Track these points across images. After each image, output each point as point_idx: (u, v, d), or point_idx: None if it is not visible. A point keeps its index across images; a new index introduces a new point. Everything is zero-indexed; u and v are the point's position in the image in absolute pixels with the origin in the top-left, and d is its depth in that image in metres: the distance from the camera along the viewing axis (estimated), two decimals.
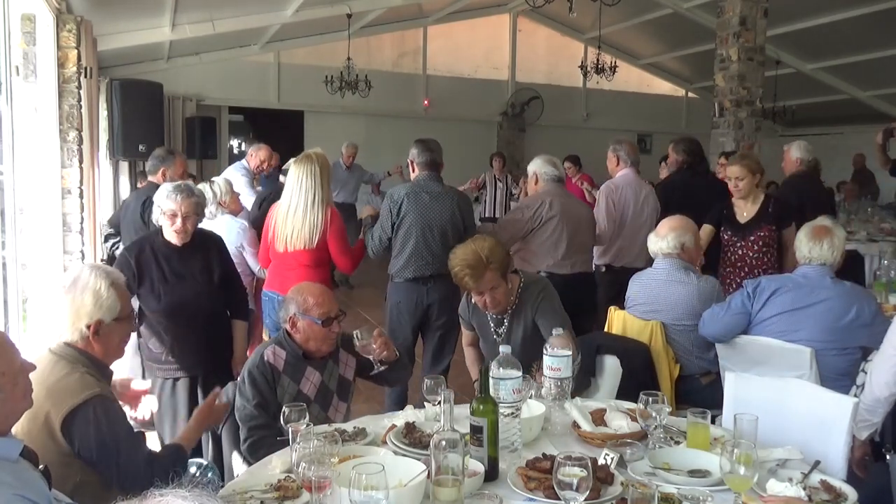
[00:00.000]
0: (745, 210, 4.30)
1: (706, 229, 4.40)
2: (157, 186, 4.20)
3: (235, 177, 5.68)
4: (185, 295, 3.19)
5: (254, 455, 2.38)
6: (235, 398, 2.62)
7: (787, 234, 4.19)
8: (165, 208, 3.19)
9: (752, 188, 4.28)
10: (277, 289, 3.74)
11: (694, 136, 5.45)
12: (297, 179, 3.74)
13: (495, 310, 3.09)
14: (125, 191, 8.86)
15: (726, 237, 4.36)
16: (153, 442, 2.86)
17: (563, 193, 4.43)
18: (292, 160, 3.92)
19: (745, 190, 4.27)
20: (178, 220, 3.20)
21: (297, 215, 3.73)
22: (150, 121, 7.89)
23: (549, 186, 4.36)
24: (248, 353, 3.53)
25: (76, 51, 5.27)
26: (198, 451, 3.11)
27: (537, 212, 4.23)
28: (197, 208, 3.27)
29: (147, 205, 3.99)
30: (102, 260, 6.29)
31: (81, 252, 5.39)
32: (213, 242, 3.44)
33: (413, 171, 4.13)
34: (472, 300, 3.15)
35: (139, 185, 7.57)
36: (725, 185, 4.48)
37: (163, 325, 3.22)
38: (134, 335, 3.36)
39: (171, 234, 3.23)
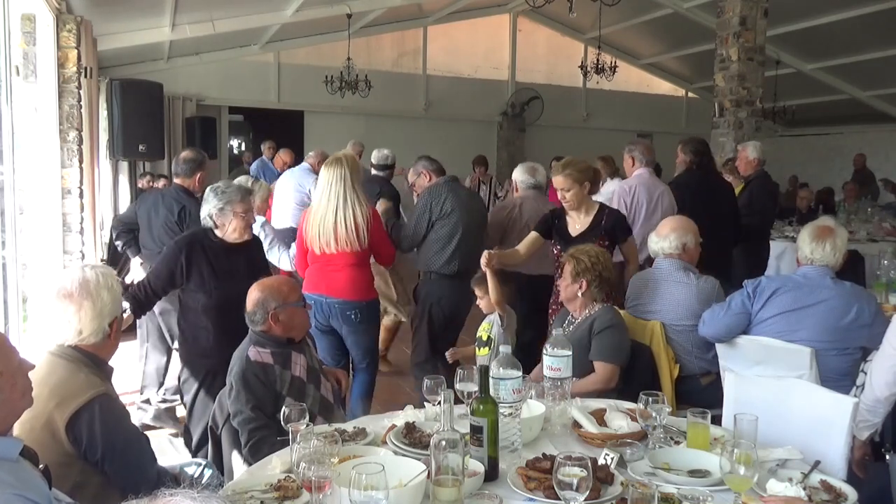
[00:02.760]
0: (577, 222, 3.91)
1: (531, 237, 4.05)
2: (185, 190, 4.30)
3: (310, 179, 6.02)
4: (232, 291, 3.23)
5: (256, 455, 2.37)
6: (229, 407, 2.57)
7: (625, 248, 3.95)
8: (239, 209, 3.43)
9: (582, 199, 3.88)
10: (324, 291, 3.78)
11: (701, 137, 5.43)
12: (327, 183, 3.77)
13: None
14: (125, 190, 8.85)
15: (556, 251, 3.92)
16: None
17: (538, 199, 4.71)
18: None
19: (574, 201, 3.87)
20: (250, 217, 3.49)
21: (327, 219, 3.73)
22: (150, 121, 7.89)
23: (525, 193, 4.78)
24: None
25: (76, 51, 5.28)
26: (198, 452, 3.12)
27: (510, 213, 4.66)
28: None
29: (187, 210, 4.15)
30: (103, 260, 6.29)
31: (81, 252, 5.38)
32: (254, 241, 3.65)
33: (429, 179, 4.41)
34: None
35: (151, 186, 7.55)
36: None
37: (211, 320, 3.36)
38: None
39: (238, 232, 3.44)
